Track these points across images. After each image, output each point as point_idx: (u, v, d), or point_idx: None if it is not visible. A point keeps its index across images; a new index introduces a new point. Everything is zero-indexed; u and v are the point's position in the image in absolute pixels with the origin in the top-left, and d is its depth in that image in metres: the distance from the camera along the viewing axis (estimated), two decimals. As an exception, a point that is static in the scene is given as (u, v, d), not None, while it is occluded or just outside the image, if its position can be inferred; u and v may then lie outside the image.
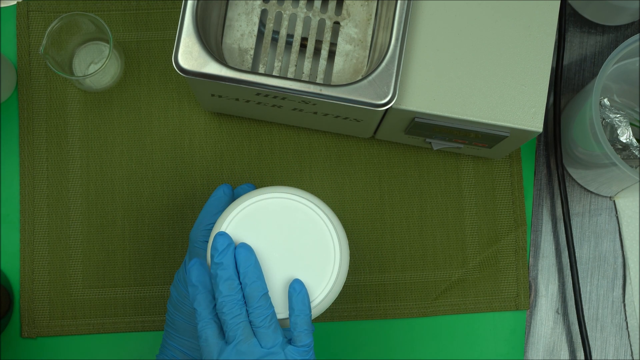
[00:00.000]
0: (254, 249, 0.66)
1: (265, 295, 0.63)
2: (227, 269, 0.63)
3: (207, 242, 0.71)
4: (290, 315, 0.64)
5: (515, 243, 0.84)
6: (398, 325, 0.83)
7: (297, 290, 0.64)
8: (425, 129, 0.74)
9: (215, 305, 0.64)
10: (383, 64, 0.69)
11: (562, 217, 0.85)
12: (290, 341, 0.64)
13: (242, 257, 0.64)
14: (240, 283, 0.64)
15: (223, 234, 0.64)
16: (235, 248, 0.64)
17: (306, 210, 0.67)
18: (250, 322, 0.63)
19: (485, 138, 0.74)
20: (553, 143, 0.84)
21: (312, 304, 0.66)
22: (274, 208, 0.67)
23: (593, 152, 0.76)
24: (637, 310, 0.84)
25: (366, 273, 0.83)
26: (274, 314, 0.63)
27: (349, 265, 0.83)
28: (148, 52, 0.85)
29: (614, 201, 0.86)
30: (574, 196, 0.86)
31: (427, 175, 0.85)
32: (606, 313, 0.84)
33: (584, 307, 0.84)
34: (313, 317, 0.67)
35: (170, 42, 0.85)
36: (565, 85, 0.87)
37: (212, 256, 0.64)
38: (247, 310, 0.63)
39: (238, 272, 0.64)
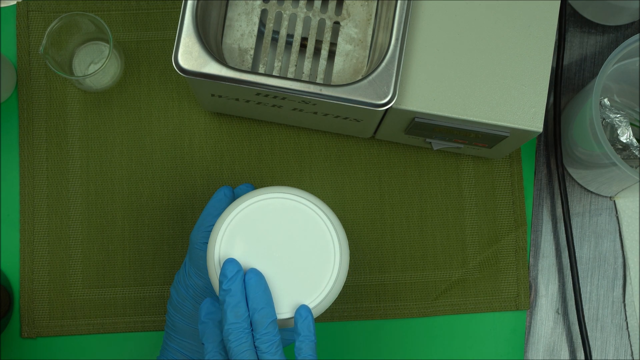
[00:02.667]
0: (254, 249, 0.66)
1: (274, 322, 0.63)
2: (235, 295, 0.63)
3: (207, 243, 0.71)
4: (295, 340, 0.64)
5: (515, 243, 0.84)
6: (398, 325, 0.83)
7: (303, 316, 0.64)
8: (425, 129, 0.74)
9: (222, 339, 0.64)
10: (383, 64, 0.69)
11: (562, 217, 0.85)
12: None
13: (252, 283, 0.63)
14: (249, 309, 0.63)
15: (232, 261, 0.64)
16: (245, 274, 0.64)
17: (306, 210, 0.67)
18: (256, 347, 0.63)
19: (485, 138, 0.74)
20: (553, 143, 0.84)
21: (312, 304, 0.66)
22: (274, 208, 0.67)
23: (593, 152, 0.76)
24: (637, 310, 0.84)
25: (366, 273, 0.83)
26: (280, 341, 0.63)
27: (349, 265, 0.83)
28: (148, 52, 0.85)
29: (614, 201, 0.86)
30: (574, 196, 0.86)
31: (427, 175, 0.85)
32: (606, 313, 0.84)
33: (584, 307, 0.84)
34: (314, 317, 0.67)
35: (170, 42, 0.85)
36: (565, 85, 0.87)
37: (220, 282, 0.64)
38: (253, 336, 0.63)
39: (247, 299, 0.63)
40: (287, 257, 0.66)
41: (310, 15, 0.78)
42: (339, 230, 0.67)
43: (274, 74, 0.78)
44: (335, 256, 0.66)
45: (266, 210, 0.67)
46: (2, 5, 0.85)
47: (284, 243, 0.66)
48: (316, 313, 0.66)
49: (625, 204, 0.85)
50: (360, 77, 0.73)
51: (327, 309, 0.82)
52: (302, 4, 0.79)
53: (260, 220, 0.66)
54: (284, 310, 0.65)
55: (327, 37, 0.78)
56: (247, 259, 0.66)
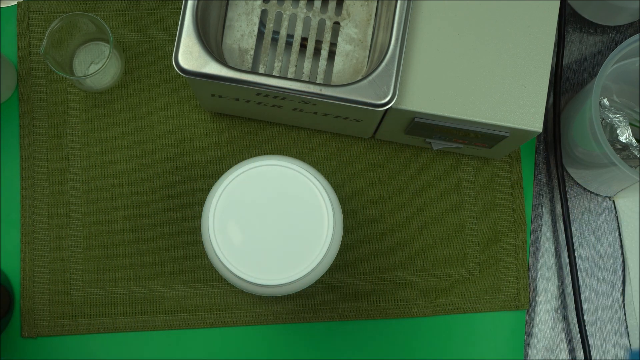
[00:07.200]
0: (247, 216, 0.66)
1: None
2: None
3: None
4: None
5: (515, 243, 0.84)
6: (398, 325, 0.83)
7: None
8: (425, 129, 0.74)
9: None
10: (383, 64, 0.69)
11: (561, 216, 0.85)
12: None
13: None
14: None
15: None
16: None
17: (297, 176, 0.67)
18: None
19: (485, 138, 0.74)
20: (553, 143, 0.84)
21: (307, 270, 0.66)
22: (265, 176, 0.67)
23: (593, 152, 0.76)
24: (637, 310, 0.84)
25: (366, 273, 0.83)
26: None
27: (350, 264, 0.83)
28: (148, 52, 0.85)
29: (614, 201, 0.86)
30: (573, 196, 0.86)
31: (427, 175, 0.85)
32: (606, 313, 0.84)
33: (583, 306, 0.84)
34: (309, 284, 0.66)
35: (170, 42, 0.85)
36: (565, 85, 0.87)
37: None
38: None
39: None
40: (280, 223, 0.66)
41: (310, 15, 0.79)
42: (329, 193, 0.68)
43: (274, 74, 0.78)
44: (328, 220, 0.67)
45: (258, 178, 0.67)
46: (3, 5, 0.85)
47: (277, 209, 0.66)
48: (311, 279, 0.67)
49: (625, 204, 0.85)
50: (360, 77, 0.74)
51: (326, 308, 0.83)
52: (302, 4, 0.79)
53: (252, 187, 0.67)
54: (277, 276, 0.66)
55: (327, 37, 0.78)
56: (241, 226, 0.66)
